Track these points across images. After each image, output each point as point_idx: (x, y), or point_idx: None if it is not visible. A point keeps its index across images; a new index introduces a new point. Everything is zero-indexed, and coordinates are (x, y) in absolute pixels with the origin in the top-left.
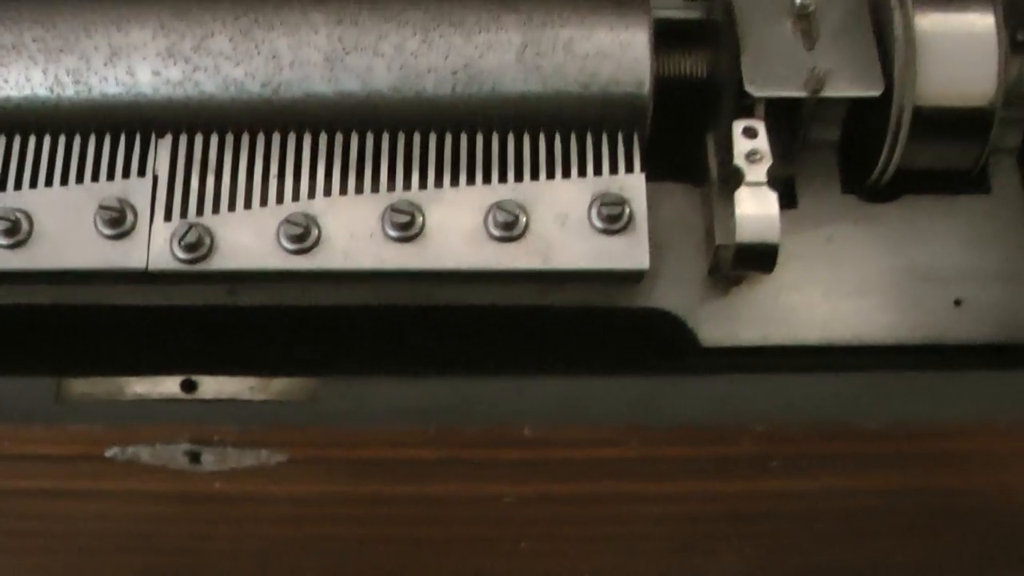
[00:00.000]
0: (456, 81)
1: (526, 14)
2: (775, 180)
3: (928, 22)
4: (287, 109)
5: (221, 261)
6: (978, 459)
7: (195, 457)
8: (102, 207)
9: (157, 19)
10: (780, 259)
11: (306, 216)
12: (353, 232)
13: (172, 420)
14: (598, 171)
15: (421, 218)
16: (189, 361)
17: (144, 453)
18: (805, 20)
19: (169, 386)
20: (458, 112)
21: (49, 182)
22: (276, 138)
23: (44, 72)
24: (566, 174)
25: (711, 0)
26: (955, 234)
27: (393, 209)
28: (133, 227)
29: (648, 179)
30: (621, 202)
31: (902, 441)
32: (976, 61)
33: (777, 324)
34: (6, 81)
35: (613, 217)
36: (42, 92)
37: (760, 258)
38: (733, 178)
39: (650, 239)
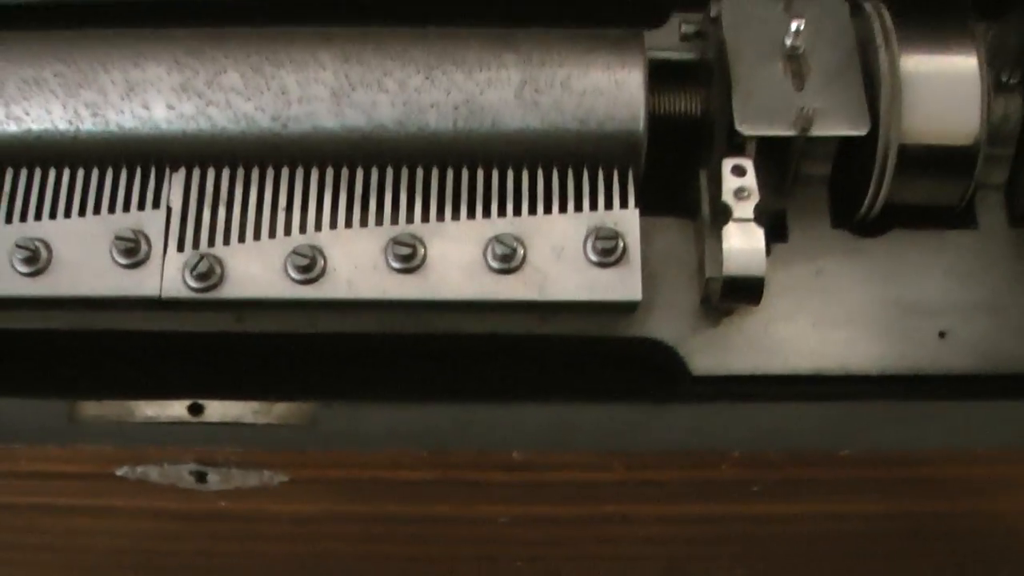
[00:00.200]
0: (457, 116)
1: (525, 53)
2: (764, 215)
3: (913, 63)
4: (295, 143)
5: (230, 290)
6: (958, 485)
7: (201, 477)
8: (118, 237)
9: (172, 56)
10: (771, 290)
11: (312, 247)
12: (357, 263)
13: (179, 441)
14: (594, 206)
15: (423, 250)
16: (196, 385)
17: (153, 472)
18: (795, 61)
19: (177, 409)
20: (459, 147)
21: (68, 213)
22: (284, 172)
23: (64, 105)
24: (563, 208)
25: (705, 41)
26: (941, 268)
27: (396, 241)
28: (147, 257)
29: (642, 213)
30: (615, 236)
31: (877, 467)
32: (960, 100)
33: (767, 353)
34: (27, 113)
35: (607, 250)
36: (61, 124)
37: (747, 291)
38: (722, 214)
39: (643, 271)
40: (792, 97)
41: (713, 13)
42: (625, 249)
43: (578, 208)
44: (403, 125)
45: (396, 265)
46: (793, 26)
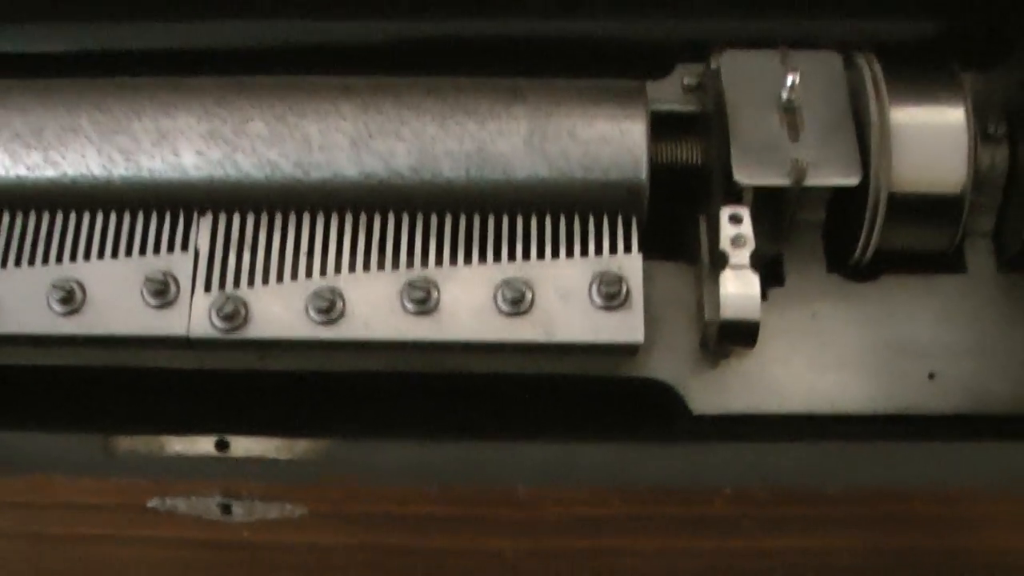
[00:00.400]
0: (470, 164)
1: (534, 103)
2: (760, 262)
3: (902, 115)
4: (316, 189)
5: (255, 330)
6: (942, 521)
7: (226, 509)
8: (148, 279)
9: (201, 105)
10: (768, 333)
11: (332, 290)
12: (374, 305)
13: (206, 475)
14: (598, 251)
15: (436, 293)
16: (222, 422)
17: (181, 504)
18: (790, 114)
19: (204, 445)
20: (471, 193)
21: (101, 255)
22: (306, 218)
23: (98, 151)
24: (569, 254)
25: (705, 93)
26: (931, 311)
27: (411, 285)
28: (176, 298)
29: (645, 258)
30: (619, 280)
31: (863, 504)
32: (947, 150)
33: (764, 393)
34: (63, 158)
35: (611, 294)
36: (96, 169)
37: (742, 334)
38: (720, 260)
39: (646, 314)
40: (787, 148)
41: (713, 66)
42: (628, 293)
43: (583, 253)
44: (418, 172)
45: (411, 307)
46: (789, 80)
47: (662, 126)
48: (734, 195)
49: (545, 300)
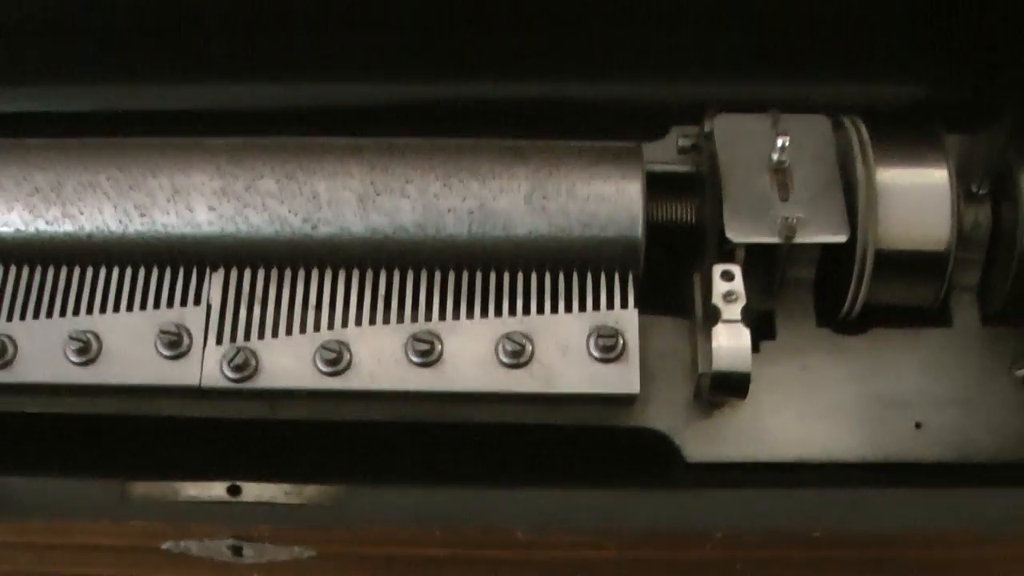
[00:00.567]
0: (472, 220)
1: (534, 163)
2: (751, 316)
3: (888, 175)
4: (324, 244)
5: (264, 381)
6: (924, 565)
7: (238, 551)
8: (162, 331)
9: (214, 163)
10: (759, 384)
11: (339, 343)
12: (380, 357)
13: (219, 519)
14: (596, 306)
15: (440, 346)
16: (234, 468)
17: (194, 547)
18: (781, 174)
19: (217, 490)
20: (473, 249)
21: (117, 308)
22: (315, 273)
23: (115, 206)
24: (568, 309)
25: (699, 155)
26: (917, 364)
27: (415, 338)
28: (188, 349)
29: (641, 313)
30: (616, 334)
31: (848, 548)
32: (932, 209)
33: (756, 443)
34: (81, 213)
35: (608, 347)
36: (112, 224)
37: (734, 386)
38: (712, 315)
39: (642, 367)
40: (778, 207)
41: (707, 128)
42: (625, 346)
43: (582, 308)
44: (423, 228)
45: (415, 359)
46: (779, 142)
47: (658, 186)
48: (727, 252)
49: (545, 353)
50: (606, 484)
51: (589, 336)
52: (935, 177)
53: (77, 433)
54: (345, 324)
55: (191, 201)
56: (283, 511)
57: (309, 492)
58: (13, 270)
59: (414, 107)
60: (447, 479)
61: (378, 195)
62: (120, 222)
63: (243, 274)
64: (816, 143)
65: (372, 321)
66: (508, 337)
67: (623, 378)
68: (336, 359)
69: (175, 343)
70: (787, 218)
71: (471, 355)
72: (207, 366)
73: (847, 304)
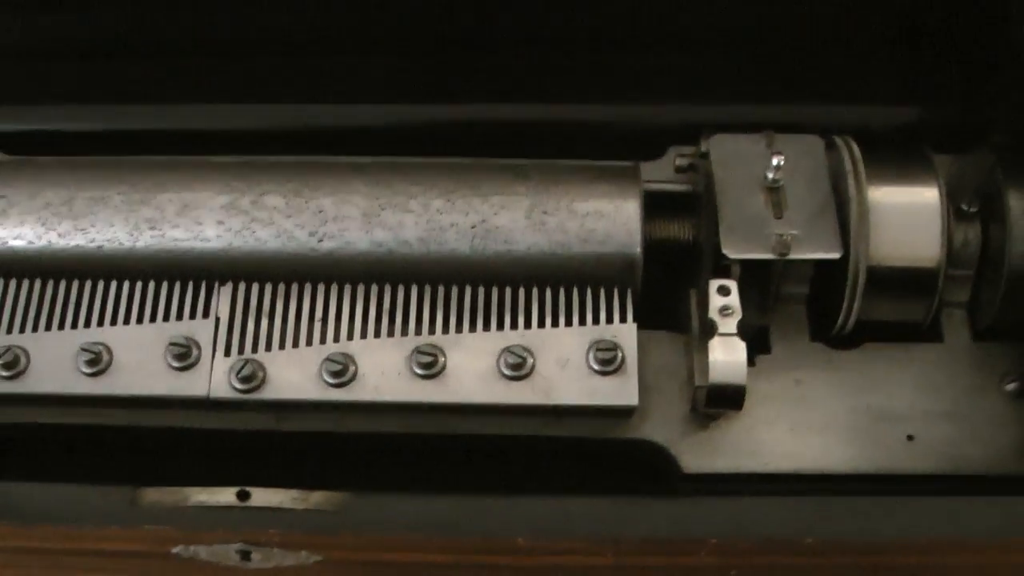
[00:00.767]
0: (474, 235)
1: (535, 181)
2: (747, 330)
3: (880, 194)
4: (330, 257)
5: (271, 392)
6: (916, 570)
7: (246, 555)
8: (171, 343)
9: (222, 180)
10: (754, 398)
11: (344, 355)
12: (384, 370)
13: (227, 524)
14: (595, 321)
15: (443, 359)
16: (242, 475)
17: (203, 551)
18: (775, 193)
19: (226, 495)
20: (475, 264)
21: (127, 321)
22: (320, 288)
23: (125, 219)
24: (568, 323)
25: (695, 174)
26: (909, 378)
27: (418, 351)
28: (197, 361)
29: (639, 328)
30: (614, 348)
31: (840, 554)
32: (922, 227)
33: (750, 455)
34: (92, 226)
35: (607, 361)
36: (123, 237)
37: (730, 398)
38: (709, 329)
39: (640, 380)
40: (772, 225)
41: (703, 149)
42: (623, 360)
43: (581, 323)
44: (425, 243)
45: (419, 372)
46: (774, 162)
47: (655, 204)
48: (722, 269)
49: (545, 366)
50: (604, 493)
51: (588, 350)
52: (926, 196)
53: (88, 443)
54: (350, 337)
55: (200, 215)
56: (291, 516)
57: (316, 498)
58: (26, 283)
59: (415, 129)
60: (449, 488)
61: (382, 210)
62: (130, 235)
63: (251, 288)
64: (809, 163)
65: (377, 334)
66: (509, 350)
67: (622, 391)
68: (341, 371)
69: (184, 355)
70: (781, 235)
71: (473, 368)
72: (215, 378)
73: (840, 320)
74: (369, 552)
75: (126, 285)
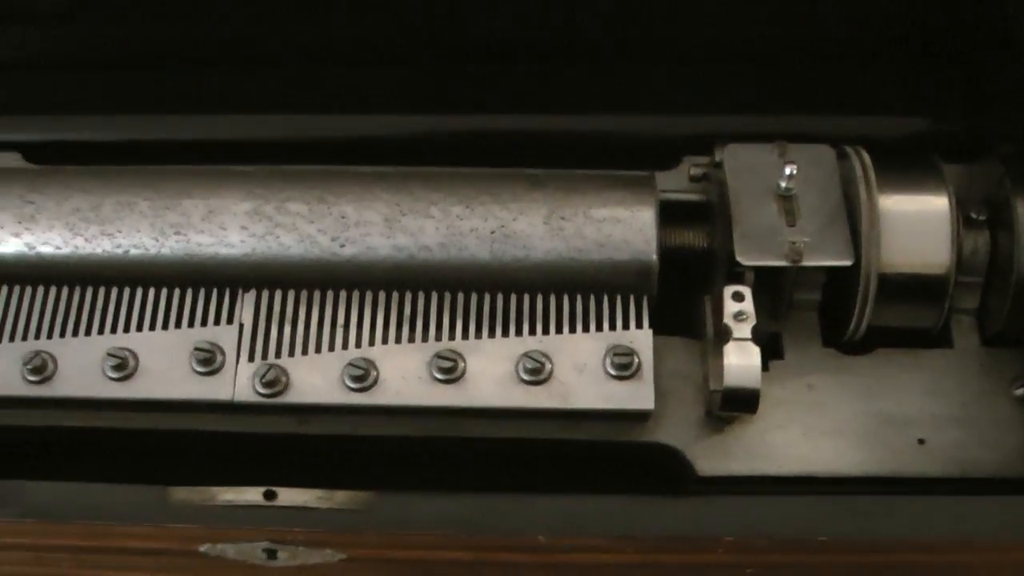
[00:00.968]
0: (493, 240)
1: (552, 189)
2: (761, 336)
3: (890, 202)
4: (352, 263)
5: (294, 396)
6: (926, 569)
7: (272, 554)
8: (196, 349)
9: (246, 187)
10: (767, 403)
11: (366, 360)
12: (405, 375)
13: (254, 523)
14: (612, 327)
15: (462, 364)
16: (266, 477)
17: (230, 550)
18: (788, 201)
19: (253, 495)
20: (494, 270)
21: (153, 327)
22: (343, 295)
23: (151, 224)
24: (585, 329)
25: (710, 184)
26: (919, 383)
27: (439, 356)
28: (222, 366)
29: (655, 334)
30: (631, 353)
31: (853, 553)
32: (932, 235)
33: (763, 458)
34: (119, 231)
35: (624, 366)
36: (149, 242)
37: (744, 402)
38: (723, 334)
39: (655, 385)
40: (785, 232)
41: (717, 158)
42: (639, 365)
43: (598, 328)
44: (446, 248)
45: (439, 377)
46: (787, 171)
47: (670, 213)
48: (736, 276)
49: (563, 371)
50: (624, 493)
51: (605, 355)
52: (935, 204)
53: (115, 446)
54: (372, 343)
55: (224, 221)
56: (316, 515)
57: (340, 498)
58: (54, 289)
59: (433, 140)
60: (471, 488)
61: (403, 216)
62: (156, 240)
63: (274, 295)
64: (821, 172)
65: (398, 340)
66: (528, 356)
67: (638, 395)
68: (363, 376)
69: (209, 360)
70: (794, 243)
71: (492, 373)
72: (239, 382)
73: (852, 326)
74: (393, 550)
75: (152, 292)
